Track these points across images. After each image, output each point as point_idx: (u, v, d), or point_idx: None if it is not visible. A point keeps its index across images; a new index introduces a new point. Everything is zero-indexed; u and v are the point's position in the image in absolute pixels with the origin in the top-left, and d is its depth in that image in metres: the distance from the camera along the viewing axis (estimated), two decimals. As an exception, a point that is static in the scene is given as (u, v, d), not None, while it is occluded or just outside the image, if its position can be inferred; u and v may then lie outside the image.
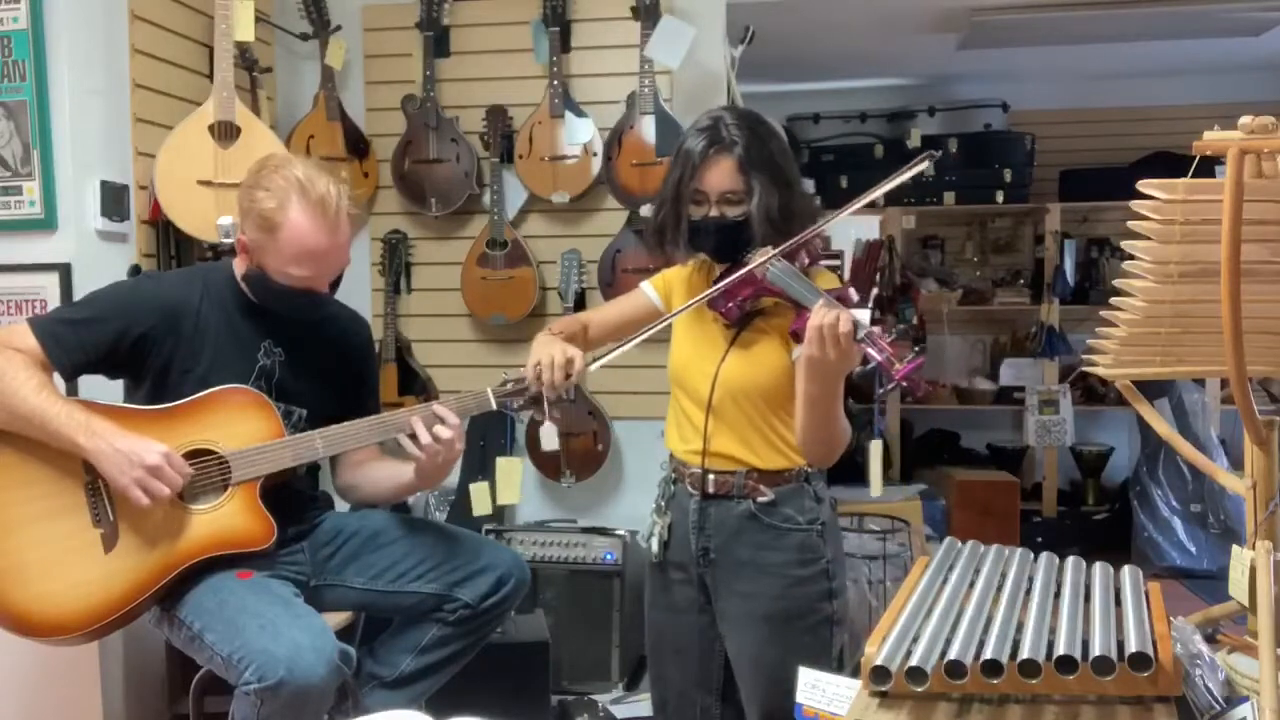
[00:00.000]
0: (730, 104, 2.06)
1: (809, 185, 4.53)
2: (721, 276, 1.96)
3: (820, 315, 1.72)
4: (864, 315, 1.74)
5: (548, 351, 1.97)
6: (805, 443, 1.92)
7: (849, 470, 3.60)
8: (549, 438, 2.20)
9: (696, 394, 2.01)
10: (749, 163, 1.92)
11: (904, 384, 1.68)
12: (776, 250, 1.88)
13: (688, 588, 2.06)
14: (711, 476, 2.01)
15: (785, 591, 1.96)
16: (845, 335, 1.69)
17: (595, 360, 1.99)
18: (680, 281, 2.13)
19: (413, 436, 2.12)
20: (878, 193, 1.91)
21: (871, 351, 1.70)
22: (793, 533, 1.97)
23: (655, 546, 2.09)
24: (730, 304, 1.94)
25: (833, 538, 2.03)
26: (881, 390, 1.75)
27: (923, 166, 1.85)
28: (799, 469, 1.99)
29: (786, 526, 1.97)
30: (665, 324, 2.03)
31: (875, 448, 2.53)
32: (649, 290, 2.16)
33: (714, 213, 1.95)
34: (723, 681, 2.08)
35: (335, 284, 2.20)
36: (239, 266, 2.19)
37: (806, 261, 1.99)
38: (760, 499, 1.97)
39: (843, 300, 1.79)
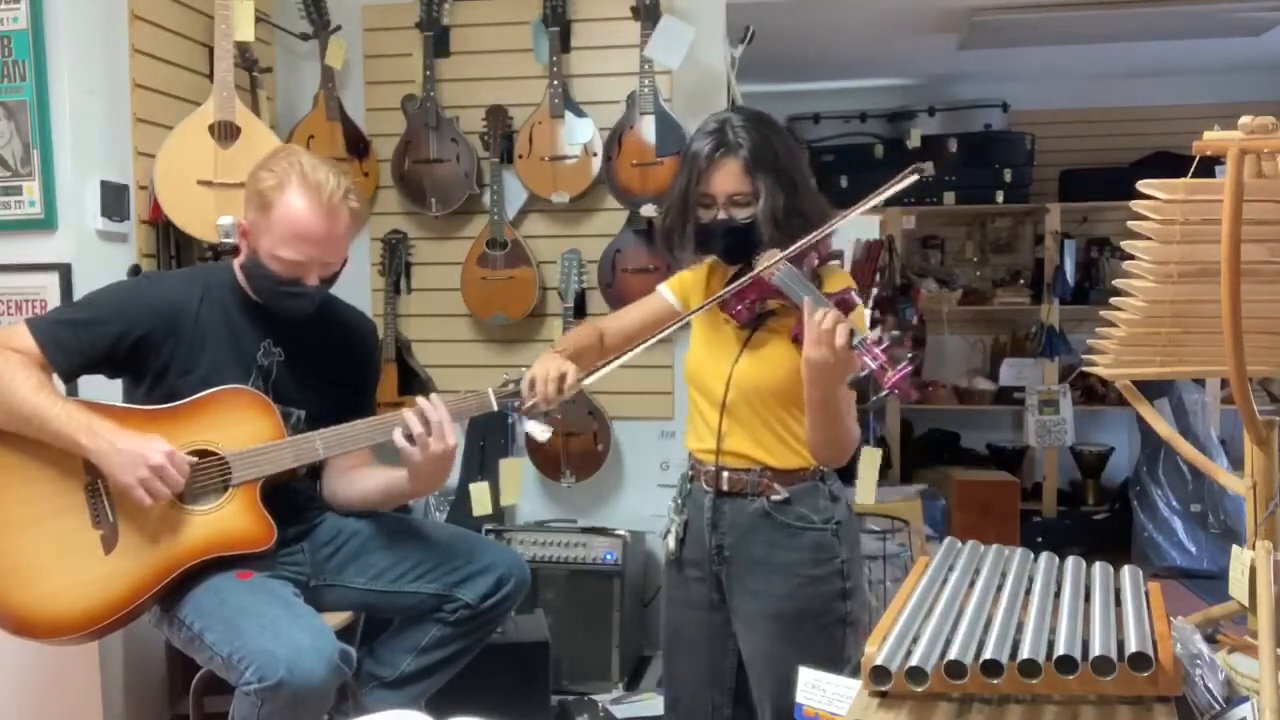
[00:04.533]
0: (738, 105, 2.06)
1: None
2: (733, 278, 1.97)
3: (816, 320, 1.73)
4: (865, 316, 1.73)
5: (543, 367, 2.01)
6: (813, 444, 1.94)
7: (846, 471, 3.60)
8: (540, 432, 2.23)
9: (711, 394, 2.02)
10: (755, 164, 1.92)
11: (895, 392, 1.69)
12: (784, 253, 1.88)
13: (702, 585, 2.06)
14: (726, 474, 2.01)
15: (796, 591, 1.96)
16: (841, 342, 1.70)
17: (589, 375, 2.01)
18: (697, 283, 2.13)
19: (408, 436, 2.11)
20: (868, 205, 1.90)
21: (866, 359, 1.70)
22: (807, 532, 1.97)
23: (672, 544, 2.10)
24: (740, 306, 1.95)
25: (849, 538, 2.02)
26: (875, 397, 1.75)
27: (910, 181, 1.83)
28: (814, 468, 2.00)
29: (800, 525, 1.97)
30: (668, 331, 2.04)
31: (869, 455, 2.48)
32: (666, 293, 2.16)
33: (722, 215, 1.95)
34: (736, 681, 2.08)
35: (328, 282, 2.18)
36: (238, 256, 2.19)
37: (817, 262, 1.98)
38: (774, 497, 1.98)
39: (843, 304, 1.80)
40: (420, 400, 2.13)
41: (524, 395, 2.05)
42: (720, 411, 2.00)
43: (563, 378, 1.98)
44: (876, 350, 1.69)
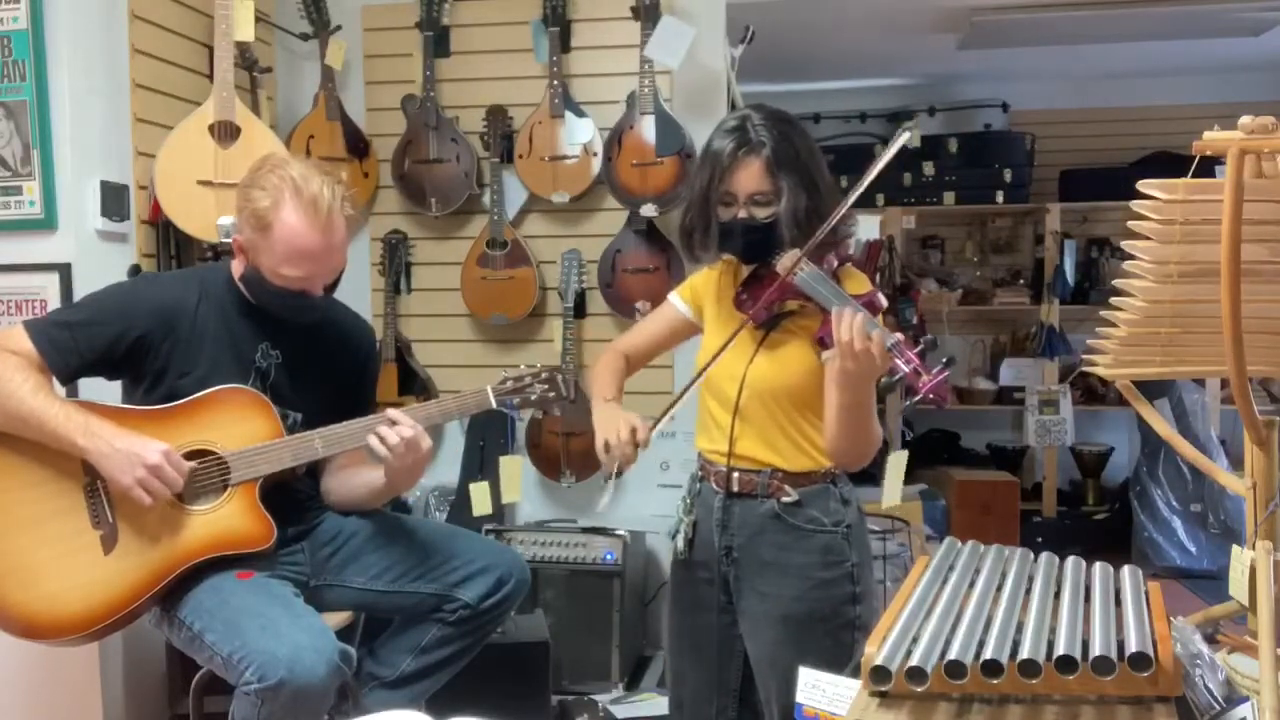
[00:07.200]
0: (758, 103, 2.04)
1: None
2: (749, 278, 1.95)
3: (847, 324, 1.70)
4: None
5: (613, 426, 1.96)
6: (835, 449, 1.91)
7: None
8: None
9: (723, 395, 2.01)
10: (777, 164, 1.91)
11: (930, 396, 1.66)
12: (803, 253, 1.87)
13: (710, 587, 2.05)
14: (736, 474, 2.00)
15: (806, 593, 1.96)
16: (877, 346, 1.68)
17: (658, 421, 1.97)
18: (708, 287, 2.11)
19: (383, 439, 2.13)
20: (869, 179, 1.86)
21: (899, 363, 1.68)
22: (817, 535, 1.97)
23: (680, 544, 2.09)
24: (759, 307, 1.93)
25: (859, 541, 2.01)
26: (907, 403, 1.73)
27: (904, 138, 1.82)
28: (825, 470, 1.99)
29: (810, 528, 1.97)
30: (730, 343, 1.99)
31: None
32: (677, 302, 2.15)
33: (743, 214, 1.94)
34: (741, 683, 2.08)
35: (332, 286, 2.19)
36: (236, 267, 2.19)
37: (835, 263, 1.98)
38: (784, 499, 1.97)
39: (870, 307, 1.77)
40: (392, 413, 2.14)
41: (604, 464, 1.97)
42: (733, 413, 1.99)
43: (634, 432, 1.94)
44: (910, 354, 1.67)
